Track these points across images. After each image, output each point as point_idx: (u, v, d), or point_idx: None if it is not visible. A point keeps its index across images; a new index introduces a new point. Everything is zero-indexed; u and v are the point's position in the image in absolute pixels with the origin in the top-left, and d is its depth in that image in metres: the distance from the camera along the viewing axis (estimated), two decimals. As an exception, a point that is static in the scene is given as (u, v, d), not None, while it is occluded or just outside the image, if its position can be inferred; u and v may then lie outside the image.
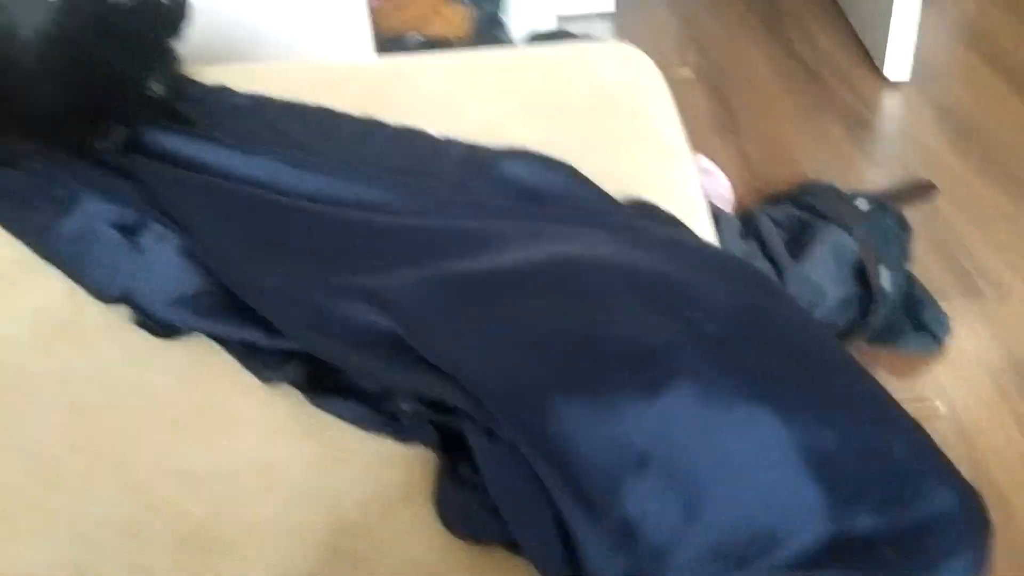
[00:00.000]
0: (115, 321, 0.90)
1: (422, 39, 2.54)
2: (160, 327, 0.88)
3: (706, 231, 1.00)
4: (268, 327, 0.84)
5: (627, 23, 3.18)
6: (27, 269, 0.99)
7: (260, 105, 1.30)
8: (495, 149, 1.11)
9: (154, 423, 0.80)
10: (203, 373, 0.84)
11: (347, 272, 0.87)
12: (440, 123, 1.20)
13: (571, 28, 2.96)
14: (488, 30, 2.65)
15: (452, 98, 1.30)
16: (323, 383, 0.80)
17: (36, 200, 1.06)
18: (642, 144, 1.14)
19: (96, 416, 0.79)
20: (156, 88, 1.19)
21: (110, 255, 0.95)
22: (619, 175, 1.07)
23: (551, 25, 2.93)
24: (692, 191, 1.07)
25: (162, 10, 1.12)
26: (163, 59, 1.21)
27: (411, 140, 1.18)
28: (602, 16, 3.22)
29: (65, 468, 0.76)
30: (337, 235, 0.94)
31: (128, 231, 0.98)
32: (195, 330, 0.87)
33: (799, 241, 1.66)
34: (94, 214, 1.00)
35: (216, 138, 1.14)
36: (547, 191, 1.02)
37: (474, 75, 1.35)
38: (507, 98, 1.27)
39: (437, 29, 2.55)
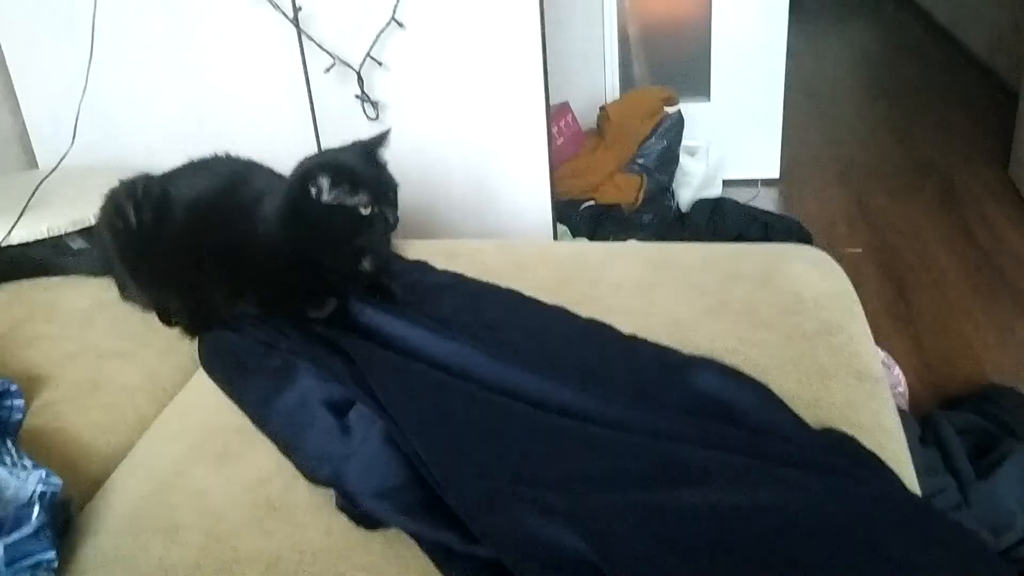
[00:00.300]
0: (322, 503, 0.95)
1: (595, 205, 2.64)
2: (361, 516, 0.92)
3: (906, 469, 0.97)
4: (465, 531, 0.86)
5: (792, 190, 3.19)
6: (244, 438, 1.07)
7: (457, 284, 1.38)
8: (686, 356, 1.13)
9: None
10: (399, 571, 0.86)
11: (543, 485, 0.88)
12: (624, 317, 1.24)
13: (735, 193, 3.01)
14: (657, 198, 2.73)
15: (637, 292, 1.33)
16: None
17: (256, 368, 1.15)
18: (834, 361, 1.13)
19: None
20: (366, 264, 1.28)
21: (322, 437, 1.01)
22: (810, 395, 1.06)
23: (716, 191, 2.98)
24: (889, 422, 1.04)
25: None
26: (374, 240, 1.30)
27: (600, 335, 1.21)
28: (766, 182, 3.25)
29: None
30: (534, 441, 0.96)
31: (338, 410, 1.04)
32: (395, 525, 0.90)
33: (984, 455, 1.57)
34: (309, 391, 1.08)
35: (418, 319, 1.21)
36: (741, 411, 1.01)
37: (660, 269, 1.39)
38: (693, 297, 1.30)
39: (610, 196, 2.65)
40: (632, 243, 1.65)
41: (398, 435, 0.97)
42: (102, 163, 2.11)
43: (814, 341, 1.17)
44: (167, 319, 1.35)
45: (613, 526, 0.81)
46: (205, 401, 1.16)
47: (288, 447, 1.02)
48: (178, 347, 1.32)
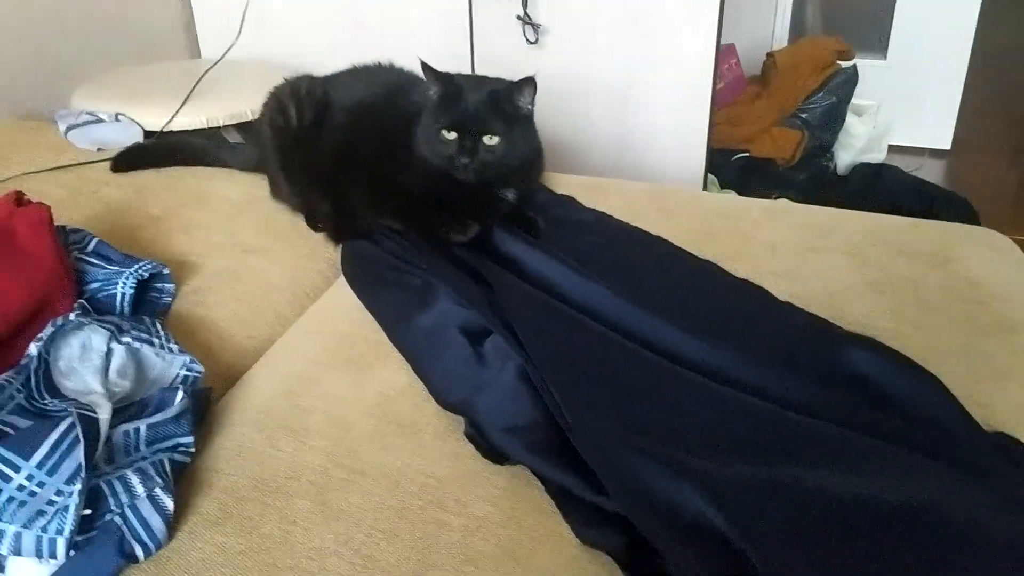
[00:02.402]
0: (450, 428, 0.94)
1: (747, 156, 2.52)
2: (488, 449, 0.90)
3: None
4: (593, 479, 0.83)
5: (960, 165, 2.97)
6: (378, 351, 1.06)
7: (602, 224, 1.33)
8: (841, 330, 1.05)
9: (463, 550, 0.80)
10: (521, 509, 0.84)
11: (680, 444, 0.84)
12: (776, 280, 1.17)
13: (899, 161, 2.81)
14: (814, 157, 2.58)
15: (793, 255, 1.25)
16: (643, 561, 0.77)
17: (395, 284, 1.15)
18: (1011, 360, 1.03)
19: (414, 525, 0.82)
20: (508, 195, 1.25)
21: (456, 363, 0.99)
22: (977, 394, 0.97)
23: (879, 157, 2.79)
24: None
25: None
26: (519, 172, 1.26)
27: (749, 295, 1.15)
28: (934, 153, 3.03)
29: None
30: (672, 396, 0.92)
31: (474, 338, 1.02)
32: (522, 463, 0.88)
33: None
34: (446, 314, 1.06)
35: (562, 256, 1.17)
36: (897, 397, 0.94)
37: (820, 235, 1.30)
38: (853, 268, 1.21)
39: (765, 149, 2.51)
40: (790, 203, 1.55)
41: (532, 372, 0.94)
42: (260, 59, 2.14)
43: (989, 335, 1.07)
44: (313, 223, 1.36)
45: (753, 501, 0.76)
46: (343, 309, 1.16)
47: (421, 367, 1.01)
48: (320, 252, 1.34)
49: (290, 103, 1.33)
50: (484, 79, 1.25)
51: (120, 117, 1.72)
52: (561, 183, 1.48)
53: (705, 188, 2.01)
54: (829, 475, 0.79)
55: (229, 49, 2.00)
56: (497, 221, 1.25)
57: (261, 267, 1.28)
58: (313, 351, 1.08)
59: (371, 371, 1.03)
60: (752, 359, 0.98)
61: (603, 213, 1.36)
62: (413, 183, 1.23)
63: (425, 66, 1.19)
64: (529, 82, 1.18)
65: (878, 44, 2.93)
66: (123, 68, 2.08)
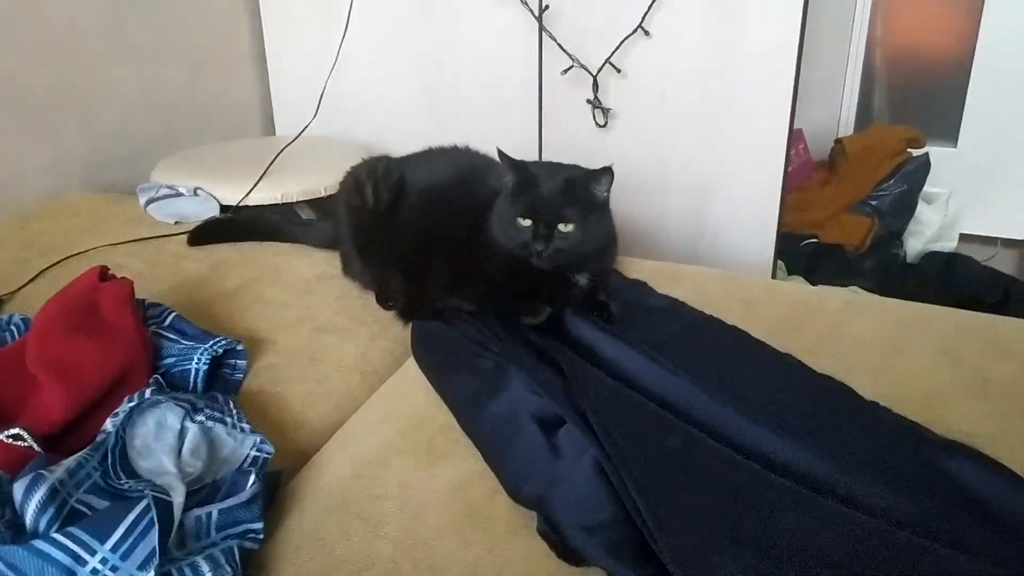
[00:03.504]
0: (522, 521, 0.90)
1: (816, 242, 2.48)
2: (563, 550, 0.86)
3: None
4: (675, 585, 0.79)
5: (1037, 257, 2.88)
6: (449, 437, 1.04)
7: (676, 311, 1.31)
8: (937, 436, 1.00)
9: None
10: (598, 612, 0.81)
11: (768, 553, 0.80)
12: (864, 378, 1.12)
13: (971, 250, 2.75)
14: (884, 244, 2.53)
15: (880, 352, 1.21)
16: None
17: (467, 367, 1.13)
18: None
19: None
20: (580, 279, 1.24)
21: (528, 453, 0.95)
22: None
23: (950, 245, 2.73)
24: None
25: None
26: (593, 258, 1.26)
27: (835, 395, 1.10)
28: (1008, 242, 2.95)
29: None
30: (759, 501, 0.87)
31: (547, 427, 0.99)
32: (599, 566, 0.84)
33: None
34: (519, 401, 1.03)
35: (636, 345, 1.14)
36: (1004, 513, 0.88)
37: (909, 330, 1.25)
38: (946, 367, 1.16)
39: (834, 236, 2.48)
40: (873, 296, 1.51)
41: (609, 467, 0.91)
42: (333, 137, 2.19)
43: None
44: (384, 302, 1.36)
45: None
46: (414, 392, 1.14)
47: (492, 457, 0.98)
48: (390, 331, 1.33)
49: (367, 183, 1.35)
50: (559, 166, 1.25)
51: (199, 191, 1.76)
52: (633, 267, 1.46)
53: (774, 274, 1.97)
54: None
55: (306, 127, 2.05)
56: (570, 305, 1.23)
57: (332, 345, 1.28)
58: (384, 435, 1.06)
59: (442, 458, 1.01)
60: (843, 464, 0.93)
61: (676, 299, 1.33)
62: (487, 266, 1.23)
63: (501, 154, 1.20)
64: (606, 172, 1.18)
65: (948, 131, 2.89)
66: (203, 144, 2.14)
